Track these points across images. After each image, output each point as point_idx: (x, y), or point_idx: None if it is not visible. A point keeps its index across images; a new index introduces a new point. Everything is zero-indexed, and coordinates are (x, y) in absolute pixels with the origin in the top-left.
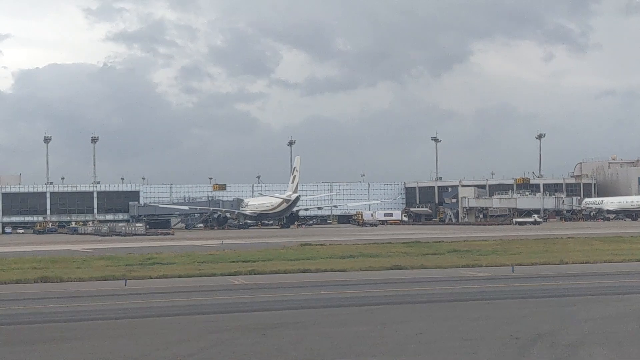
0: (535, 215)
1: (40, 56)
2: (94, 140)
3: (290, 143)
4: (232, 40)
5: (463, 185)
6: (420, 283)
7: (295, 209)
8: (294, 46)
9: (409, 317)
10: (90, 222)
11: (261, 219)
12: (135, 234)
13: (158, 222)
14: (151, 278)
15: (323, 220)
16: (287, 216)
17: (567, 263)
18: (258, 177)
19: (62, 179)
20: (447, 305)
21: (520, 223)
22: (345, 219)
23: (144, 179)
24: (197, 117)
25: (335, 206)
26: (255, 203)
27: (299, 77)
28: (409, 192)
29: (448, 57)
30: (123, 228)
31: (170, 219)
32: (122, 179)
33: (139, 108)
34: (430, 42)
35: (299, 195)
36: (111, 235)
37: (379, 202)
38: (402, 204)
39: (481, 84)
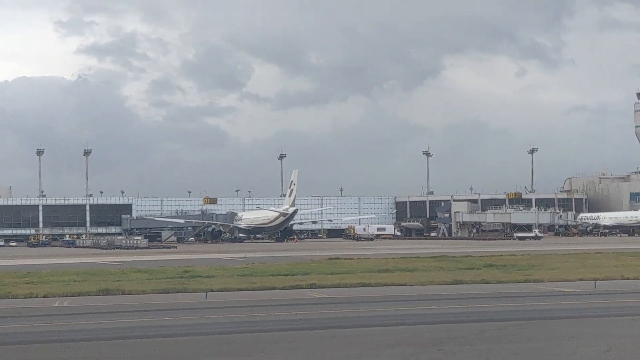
0: (537, 230)
1: (9, 69)
2: (87, 153)
3: (281, 156)
4: (204, 53)
5: (455, 200)
6: (515, 298)
7: (290, 222)
8: (267, 60)
9: (573, 333)
10: (84, 235)
11: (256, 232)
12: (138, 247)
13: (150, 235)
14: (223, 291)
15: (313, 234)
16: (281, 230)
17: (628, 278)
18: (249, 192)
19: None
20: (596, 321)
21: (521, 238)
22: (335, 233)
23: (189, 192)
24: (167, 131)
25: (330, 220)
26: (250, 217)
27: (271, 91)
28: (399, 207)
29: (420, 71)
30: (123, 241)
31: (161, 232)
32: (123, 192)
33: (108, 121)
34: (404, 57)
35: (296, 209)
36: (113, 249)
37: (374, 216)
38: (393, 218)
39: (453, 99)
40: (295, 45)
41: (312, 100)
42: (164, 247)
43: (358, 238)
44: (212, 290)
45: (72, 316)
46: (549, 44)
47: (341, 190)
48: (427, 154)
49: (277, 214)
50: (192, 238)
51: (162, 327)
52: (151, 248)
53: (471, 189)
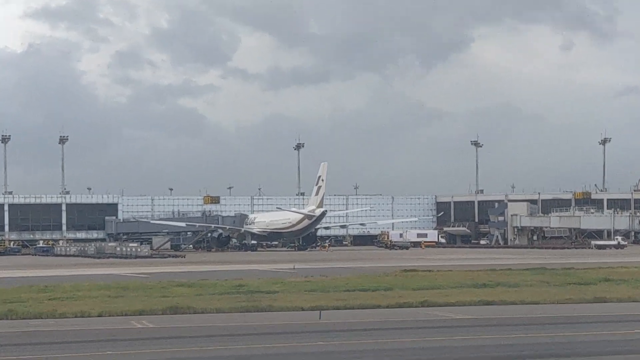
0: (619, 238)
1: None
2: (63, 140)
3: (298, 146)
4: (179, 19)
5: (511, 200)
6: None
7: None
8: (256, 28)
9: None
10: (61, 241)
11: (272, 238)
12: (138, 256)
13: (140, 241)
14: (315, 309)
15: (337, 241)
16: (304, 236)
17: None
18: (259, 189)
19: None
20: None
21: (599, 246)
22: (363, 240)
23: (171, 189)
24: (131, 115)
25: (363, 224)
26: (266, 220)
27: (261, 67)
28: (441, 208)
29: (444, 45)
30: (117, 249)
31: (152, 238)
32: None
33: (60, 102)
34: (423, 27)
35: (325, 211)
36: (107, 258)
37: (416, 219)
38: (433, 222)
39: (482, 78)
40: (292, 10)
41: (310, 78)
42: (170, 257)
43: (391, 246)
44: (303, 309)
45: (188, 340)
46: (601, 12)
47: (356, 187)
48: (476, 144)
49: (302, 216)
50: (191, 245)
51: (331, 354)
52: (154, 257)
53: (512, 187)
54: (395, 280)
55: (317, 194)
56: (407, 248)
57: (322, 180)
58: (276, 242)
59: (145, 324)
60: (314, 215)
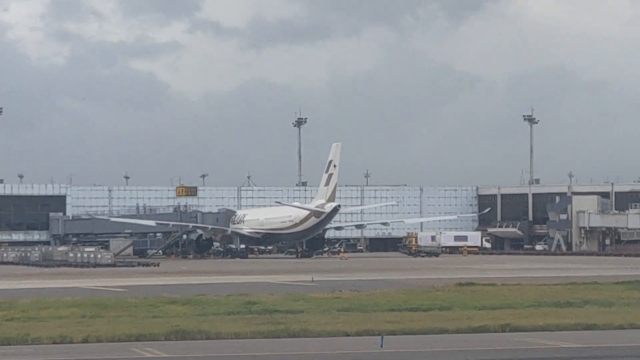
0: None
1: None
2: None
3: (299, 122)
4: None
5: (576, 193)
6: None
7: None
8: None
9: None
10: None
11: (268, 242)
12: (99, 264)
13: (95, 244)
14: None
15: (349, 245)
16: (309, 239)
17: None
18: (248, 178)
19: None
20: None
21: None
22: (382, 244)
23: (127, 177)
24: (69, 80)
25: (385, 223)
26: (259, 217)
27: (239, 20)
28: (484, 203)
29: None
30: (70, 254)
31: (109, 241)
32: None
33: None
34: None
35: (338, 206)
36: (58, 266)
37: (456, 217)
38: (474, 221)
39: (525, 35)
40: None
41: (303, 34)
42: (139, 265)
43: (415, 252)
44: (347, 334)
45: None
46: None
47: (367, 176)
48: (530, 119)
49: (307, 212)
50: (160, 251)
51: None
52: (119, 266)
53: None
54: (451, 297)
55: (327, 183)
56: (436, 255)
57: (335, 166)
58: (270, 247)
59: (155, 353)
60: (324, 212)
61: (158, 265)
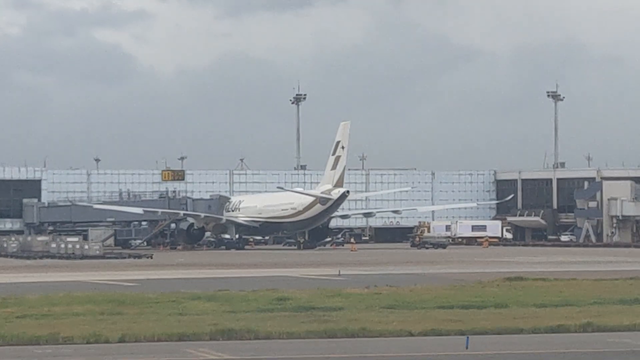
0: None
1: None
2: None
3: (298, 99)
4: None
5: (606, 178)
6: None
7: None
8: None
9: None
10: None
11: (267, 231)
12: (86, 256)
13: (70, 234)
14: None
15: (353, 235)
16: (312, 229)
17: None
18: (241, 160)
19: None
20: None
21: None
22: (389, 234)
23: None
24: (26, 52)
25: (397, 212)
26: (257, 204)
27: None
28: (503, 189)
29: None
30: (52, 245)
31: (88, 230)
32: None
33: None
34: None
35: (347, 191)
36: (40, 257)
37: (475, 204)
38: (491, 208)
39: (531, 4)
40: None
41: (284, 1)
42: (130, 257)
43: (420, 243)
44: (412, 334)
45: None
46: None
47: (362, 159)
48: (555, 95)
49: (312, 199)
50: (144, 242)
51: None
52: (108, 258)
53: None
54: (503, 293)
55: (334, 167)
56: (443, 246)
57: (343, 147)
58: (267, 237)
59: (214, 354)
60: (330, 199)
61: (151, 257)
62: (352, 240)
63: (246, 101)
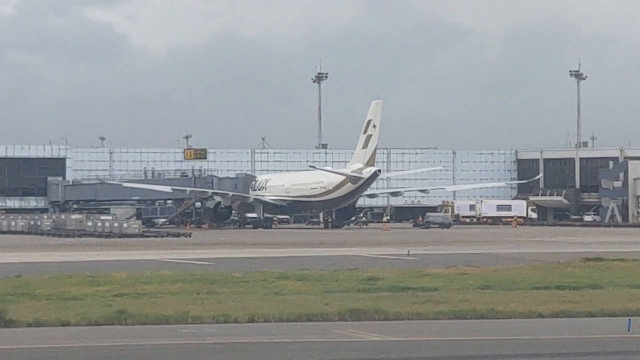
0: None
1: None
2: None
3: (319, 77)
4: None
5: (631, 158)
6: None
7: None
8: None
9: None
10: None
11: (295, 210)
12: (126, 234)
13: (93, 212)
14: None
15: (374, 215)
16: (339, 208)
17: None
18: (263, 139)
19: None
20: None
21: None
22: (408, 213)
23: (103, 139)
24: (17, 32)
25: (425, 190)
26: (284, 183)
27: None
28: (525, 169)
29: None
30: (90, 224)
31: (110, 208)
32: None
33: None
34: None
35: (379, 170)
36: (79, 236)
37: (504, 184)
38: (513, 188)
39: None
40: None
41: None
42: (168, 236)
43: (425, 223)
44: (542, 316)
45: None
46: None
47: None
48: (578, 74)
49: (343, 178)
50: (167, 220)
51: None
52: (147, 236)
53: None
54: (590, 274)
55: (365, 146)
56: (447, 226)
57: (374, 126)
58: (287, 217)
59: (371, 335)
60: (362, 177)
61: (190, 236)
62: (384, 219)
63: (262, 81)
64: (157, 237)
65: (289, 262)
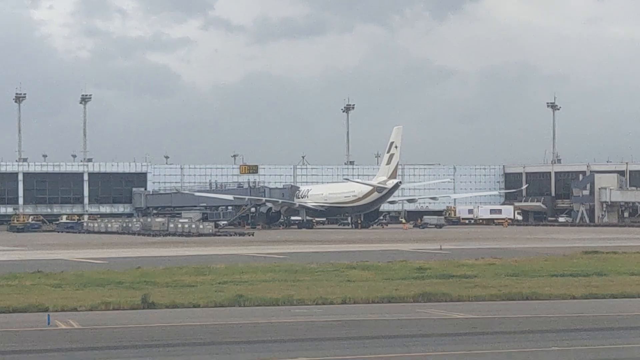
0: None
1: None
2: (19, 98)
3: (347, 108)
4: None
5: (597, 172)
6: None
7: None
8: None
9: None
10: (85, 217)
11: (331, 214)
12: (202, 234)
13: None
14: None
15: (393, 217)
16: (367, 212)
17: None
18: (302, 157)
19: (45, 156)
20: None
21: None
22: (420, 216)
23: (167, 157)
24: (93, 72)
25: (434, 198)
26: (323, 192)
27: (246, 17)
28: (510, 180)
29: None
30: (170, 225)
31: (181, 213)
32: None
33: (11, 57)
34: None
35: (400, 182)
36: (163, 235)
37: (498, 192)
38: (501, 196)
39: (494, 32)
40: None
41: (302, 30)
42: (235, 235)
43: (422, 224)
44: (574, 297)
45: None
46: None
47: (377, 156)
48: (553, 106)
49: (370, 188)
50: (228, 222)
51: None
52: (218, 235)
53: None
54: (593, 264)
55: (388, 162)
56: (440, 227)
57: (396, 147)
58: (323, 219)
59: (456, 314)
60: (386, 188)
61: (252, 235)
62: (401, 220)
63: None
64: (227, 236)
65: (347, 255)
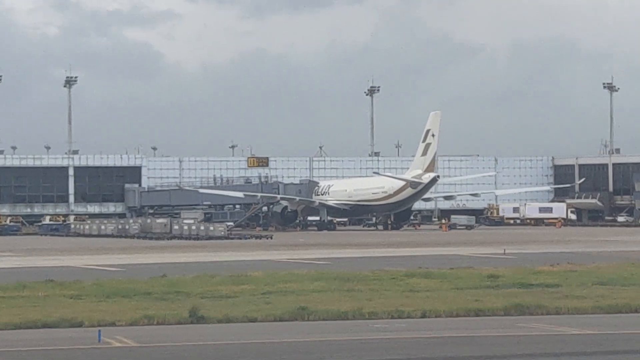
0: None
1: None
2: (70, 82)
3: (372, 91)
4: None
5: None
6: None
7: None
8: None
9: None
10: (71, 217)
11: (356, 213)
12: (212, 237)
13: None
14: None
15: (425, 217)
16: (397, 212)
17: None
18: (320, 148)
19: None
20: None
21: None
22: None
23: (155, 149)
24: (61, 50)
25: (476, 195)
26: (347, 188)
27: None
28: (560, 174)
29: None
30: (175, 227)
31: (180, 213)
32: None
33: None
34: None
35: (437, 176)
36: (169, 239)
37: (549, 188)
38: (550, 192)
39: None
40: None
41: (304, 1)
42: (252, 238)
43: (451, 225)
44: None
45: None
46: None
47: (398, 147)
48: (610, 87)
49: (403, 183)
50: (232, 223)
51: None
52: (232, 238)
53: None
54: None
55: (424, 153)
56: (470, 228)
57: (433, 135)
58: (345, 219)
59: (563, 329)
60: (421, 183)
61: (271, 238)
62: (440, 220)
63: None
64: (242, 239)
65: (397, 261)
